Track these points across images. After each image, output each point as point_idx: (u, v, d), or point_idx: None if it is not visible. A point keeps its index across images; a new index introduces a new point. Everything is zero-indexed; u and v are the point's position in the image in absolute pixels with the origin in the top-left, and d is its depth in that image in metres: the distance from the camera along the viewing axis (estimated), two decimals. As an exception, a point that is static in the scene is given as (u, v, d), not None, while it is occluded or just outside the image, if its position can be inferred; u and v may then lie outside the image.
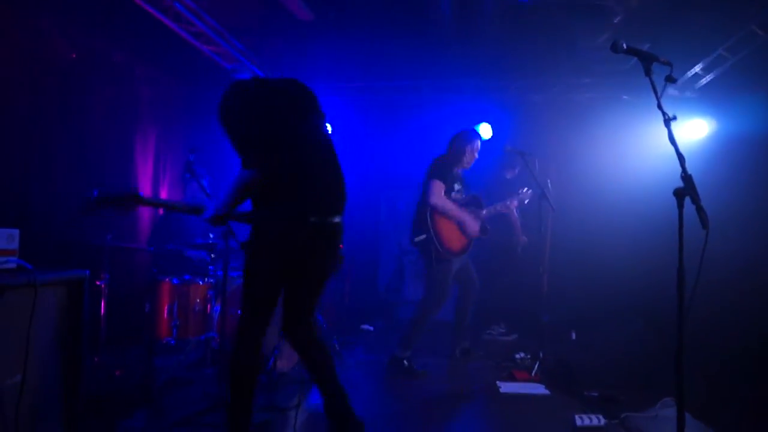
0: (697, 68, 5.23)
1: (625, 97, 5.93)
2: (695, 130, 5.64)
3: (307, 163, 2.37)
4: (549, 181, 4.26)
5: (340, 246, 2.50)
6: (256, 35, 5.29)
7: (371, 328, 5.74)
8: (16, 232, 2.20)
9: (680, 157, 2.03)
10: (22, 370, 2.08)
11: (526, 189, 4.55)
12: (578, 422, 2.85)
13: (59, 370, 2.32)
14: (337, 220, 2.42)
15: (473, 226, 4.18)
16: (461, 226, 4.15)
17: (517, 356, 4.33)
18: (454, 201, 4.16)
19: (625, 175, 5.54)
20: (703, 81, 5.39)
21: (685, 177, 1.99)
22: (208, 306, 3.66)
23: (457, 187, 4.25)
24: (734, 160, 4.99)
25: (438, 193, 4.01)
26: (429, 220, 4.02)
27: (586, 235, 5.49)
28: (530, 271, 4.37)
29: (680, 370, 1.91)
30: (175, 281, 3.60)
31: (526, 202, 4.56)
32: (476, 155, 4.28)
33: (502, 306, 5.56)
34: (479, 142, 4.29)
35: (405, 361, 4.03)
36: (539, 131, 5.96)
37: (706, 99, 5.61)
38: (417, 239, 4.06)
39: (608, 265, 5.26)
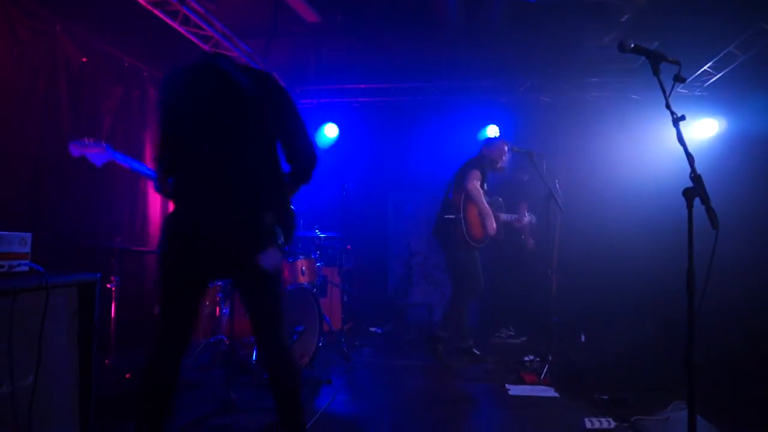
0: (706, 66, 5.19)
1: (634, 96, 5.90)
2: (705, 128, 5.59)
3: (185, 155, 2.09)
4: (557, 181, 4.25)
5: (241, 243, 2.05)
6: (264, 38, 5.32)
7: (379, 331, 5.74)
8: (28, 235, 2.22)
9: (689, 157, 2.01)
10: (35, 372, 2.10)
11: (529, 213, 4.84)
12: (588, 425, 2.83)
13: (71, 371, 2.34)
14: (216, 216, 2.02)
15: (492, 224, 4.38)
16: (483, 221, 4.36)
17: (526, 359, 4.30)
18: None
19: (635, 174, 5.50)
20: (712, 79, 5.35)
21: (695, 177, 1.98)
22: (217, 308, 3.68)
23: (485, 187, 4.47)
24: (744, 159, 4.94)
25: (475, 181, 4.27)
26: (462, 203, 4.28)
27: (594, 235, 5.45)
28: (539, 272, 4.35)
29: (691, 372, 1.89)
30: (184, 284, 3.62)
31: (514, 221, 4.75)
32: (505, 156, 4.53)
33: (511, 308, 5.55)
34: (506, 145, 4.53)
35: (473, 349, 4.46)
36: (548, 132, 5.93)
37: (716, 97, 5.57)
38: (446, 216, 4.34)
39: (617, 266, 5.22)
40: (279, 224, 2.17)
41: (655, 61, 2.16)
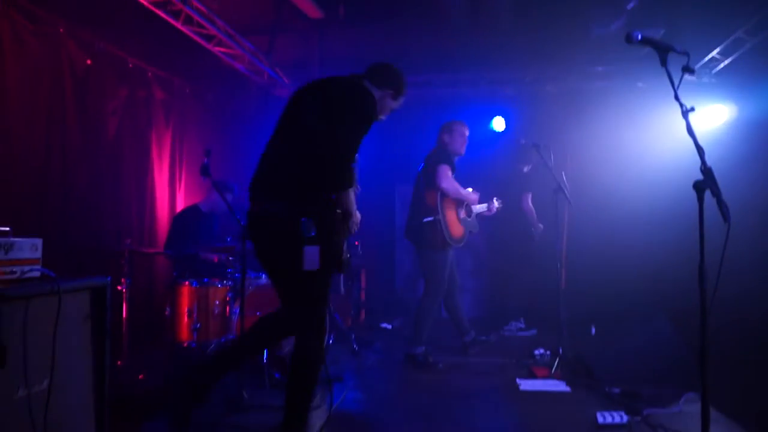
0: (715, 52, 5.11)
1: (640, 84, 5.83)
2: (715, 116, 5.52)
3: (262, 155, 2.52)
4: (564, 173, 4.22)
5: (278, 236, 2.36)
6: (267, 36, 5.31)
7: (389, 326, 5.75)
8: (39, 241, 2.24)
9: (699, 149, 1.99)
10: (49, 377, 2.13)
11: (496, 199, 4.75)
12: (600, 420, 2.82)
13: (85, 374, 2.36)
14: (257, 208, 2.42)
15: (476, 204, 4.43)
16: (461, 210, 4.35)
17: (537, 353, 4.28)
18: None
19: (645, 165, 5.45)
20: (721, 65, 5.28)
21: (705, 170, 1.96)
22: (228, 308, 3.70)
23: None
24: (757, 145, 4.87)
25: (448, 177, 4.16)
26: (439, 203, 4.15)
27: (603, 227, 5.42)
28: (548, 265, 4.33)
29: (704, 365, 1.89)
30: (194, 284, 3.65)
31: (484, 211, 4.66)
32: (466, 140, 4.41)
33: (521, 302, 5.53)
34: (466, 128, 4.42)
35: (420, 357, 4.11)
36: (554, 122, 5.88)
37: (725, 84, 5.49)
38: (425, 220, 4.17)
39: (627, 258, 5.19)
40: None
41: (663, 52, 2.13)
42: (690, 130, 2.01)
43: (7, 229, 2.15)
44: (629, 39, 2.15)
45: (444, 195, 4.18)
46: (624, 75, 5.78)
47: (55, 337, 2.16)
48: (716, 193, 1.92)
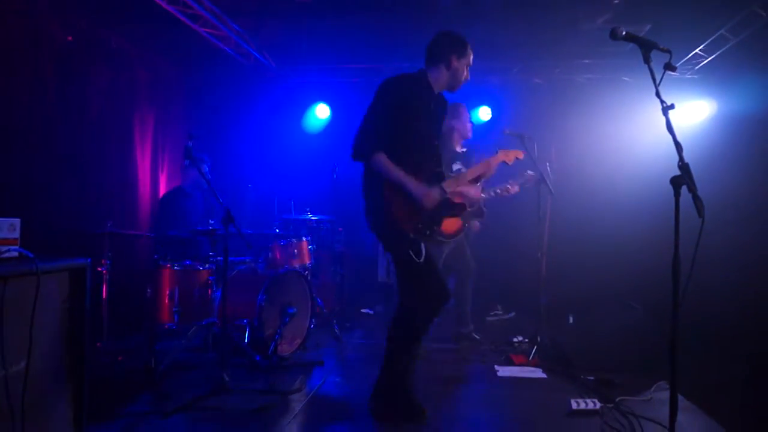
0: (698, 49, 5.18)
1: (625, 78, 5.90)
2: (696, 111, 5.61)
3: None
4: (548, 164, 4.25)
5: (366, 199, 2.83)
6: (255, 17, 5.24)
7: (371, 312, 5.80)
8: (17, 221, 2.21)
9: (678, 146, 2.03)
10: (27, 358, 2.12)
11: (528, 171, 4.50)
12: (574, 406, 2.90)
13: (64, 356, 2.35)
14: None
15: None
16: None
17: (515, 340, 4.37)
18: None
19: (625, 157, 5.54)
20: (704, 62, 5.35)
21: (682, 166, 2.00)
22: (209, 291, 3.69)
23: (456, 167, 4.19)
24: (737, 140, 4.98)
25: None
26: None
27: (584, 218, 5.49)
28: (528, 253, 4.38)
29: (674, 355, 1.95)
30: (176, 267, 3.63)
31: (526, 185, 4.48)
32: (469, 123, 4.36)
33: (499, 288, 5.63)
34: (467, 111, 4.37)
35: (473, 334, 4.44)
36: (539, 114, 5.92)
37: (707, 80, 5.58)
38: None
39: (606, 249, 5.29)
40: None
41: (645, 49, 2.17)
42: (669, 127, 2.05)
43: (-16, 208, 2.13)
44: (614, 34, 2.18)
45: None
46: (610, 69, 5.83)
47: (32, 317, 2.14)
48: (692, 189, 1.97)
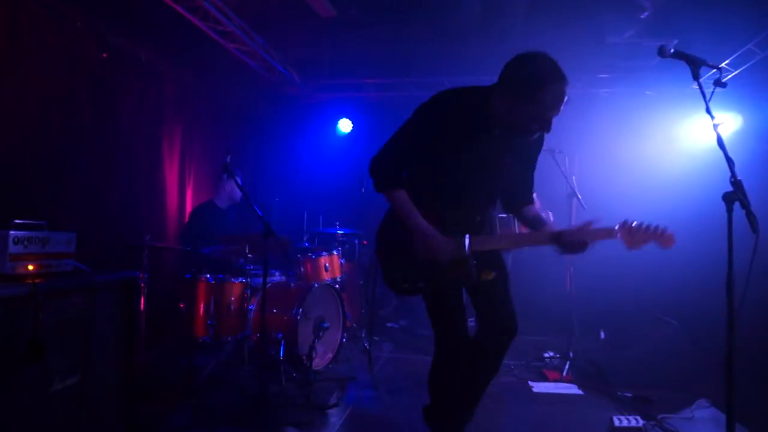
0: (724, 63, 5.18)
1: (648, 92, 5.90)
2: (723, 125, 5.60)
3: None
4: (574, 178, 4.26)
5: None
6: (280, 32, 5.31)
7: (396, 326, 5.78)
8: (73, 235, 2.26)
9: (729, 161, 2.03)
10: (81, 371, 2.14)
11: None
12: (617, 423, 2.87)
13: (114, 367, 2.38)
14: None
15: None
16: None
17: (546, 355, 4.33)
18: None
19: (655, 170, 5.51)
20: (729, 75, 5.34)
21: (735, 182, 2.00)
22: (244, 305, 3.71)
23: None
24: (762, 155, 4.94)
25: None
26: None
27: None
28: (556, 269, 4.37)
29: (730, 377, 1.91)
30: (210, 280, 3.65)
31: None
32: None
33: (528, 305, 5.60)
34: None
35: None
36: (563, 128, 5.91)
37: (733, 94, 5.56)
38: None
39: (634, 263, 5.23)
40: None
41: (695, 66, 2.18)
42: (721, 143, 2.06)
43: (43, 222, 2.16)
44: (662, 52, 2.19)
45: None
46: (634, 83, 5.83)
47: (89, 331, 2.18)
48: (745, 205, 1.97)
